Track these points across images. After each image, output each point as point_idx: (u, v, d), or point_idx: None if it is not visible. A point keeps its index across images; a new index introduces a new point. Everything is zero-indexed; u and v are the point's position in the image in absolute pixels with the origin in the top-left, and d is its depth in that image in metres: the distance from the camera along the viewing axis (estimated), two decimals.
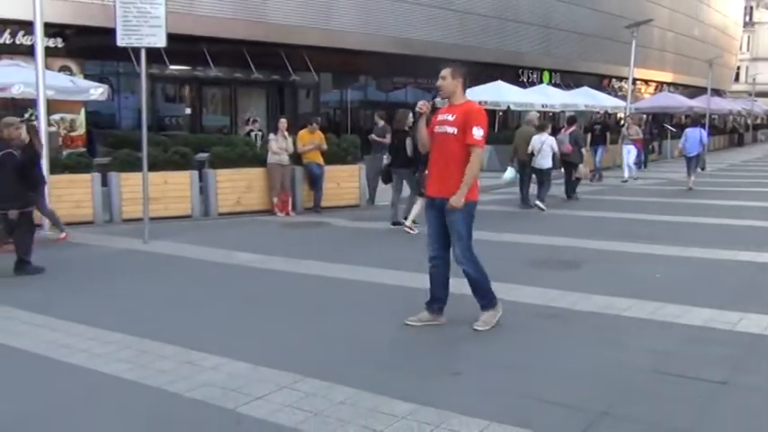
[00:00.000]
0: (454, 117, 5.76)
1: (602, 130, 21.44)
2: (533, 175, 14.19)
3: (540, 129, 14.06)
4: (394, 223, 11.34)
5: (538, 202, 13.57)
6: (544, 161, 13.74)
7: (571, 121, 15.95)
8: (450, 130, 5.74)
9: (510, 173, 14.47)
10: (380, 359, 5.12)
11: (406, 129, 11.06)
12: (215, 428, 4.01)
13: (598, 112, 18.50)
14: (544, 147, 13.67)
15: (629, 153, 20.25)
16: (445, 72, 5.85)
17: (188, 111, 21.61)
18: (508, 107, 22.49)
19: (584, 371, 4.86)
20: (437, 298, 6.00)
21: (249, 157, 13.44)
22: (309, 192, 13.64)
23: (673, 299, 6.63)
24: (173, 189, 12.38)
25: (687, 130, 18.86)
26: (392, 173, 11.55)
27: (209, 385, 4.57)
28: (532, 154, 13.71)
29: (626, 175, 19.99)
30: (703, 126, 24.50)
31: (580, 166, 15.32)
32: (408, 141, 10.79)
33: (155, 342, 5.44)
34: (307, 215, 13.14)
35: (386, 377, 4.72)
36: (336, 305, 6.69)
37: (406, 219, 10.96)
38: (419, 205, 10.41)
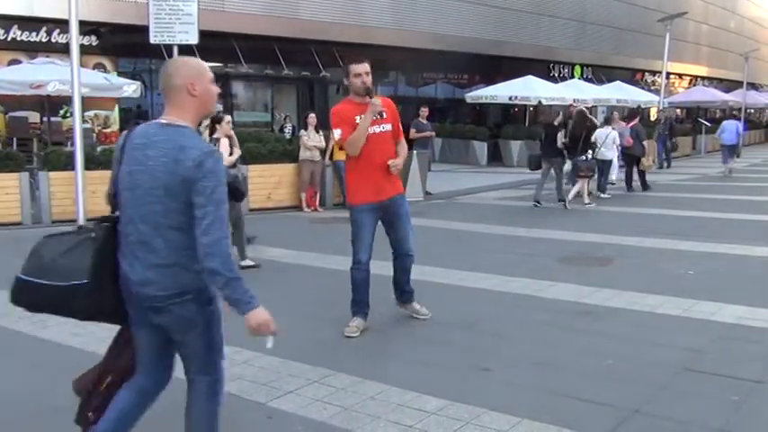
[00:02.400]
0: (386, 114, 5.58)
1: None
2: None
3: (606, 122, 15.12)
4: (560, 200, 13.22)
5: (600, 193, 14.50)
6: (608, 153, 14.46)
7: (632, 114, 16.63)
8: (388, 127, 5.59)
9: (567, 165, 15.28)
10: (410, 355, 5.13)
11: (555, 124, 13.41)
12: (246, 422, 4.06)
13: (571, 105, 16.37)
14: (608, 140, 14.40)
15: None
16: (368, 66, 5.65)
17: (219, 107, 21.77)
18: (539, 102, 22.30)
19: (616, 368, 4.83)
20: (367, 302, 5.75)
21: (280, 152, 13.52)
22: (338, 188, 13.68)
23: (705, 296, 6.55)
24: None
25: (725, 122, 19.62)
26: (543, 161, 13.35)
27: (241, 379, 4.62)
28: (595, 146, 14.35)
29: (613, 176, 16.78)
30: (739, 119, 24.35)
31: (642, 159, 15.95)
32: (559, 135, 13.07)
33: None
34: (335, 211, 13.18)
35: (416, 373, 4.73)
36: None
37: (564, 199, 13.01)
38: (580, 184, 13.23)
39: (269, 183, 13.16)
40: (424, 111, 15.88)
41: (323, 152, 13.21)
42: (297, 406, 4.21)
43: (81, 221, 10.87)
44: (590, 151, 13.70)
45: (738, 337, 5.51)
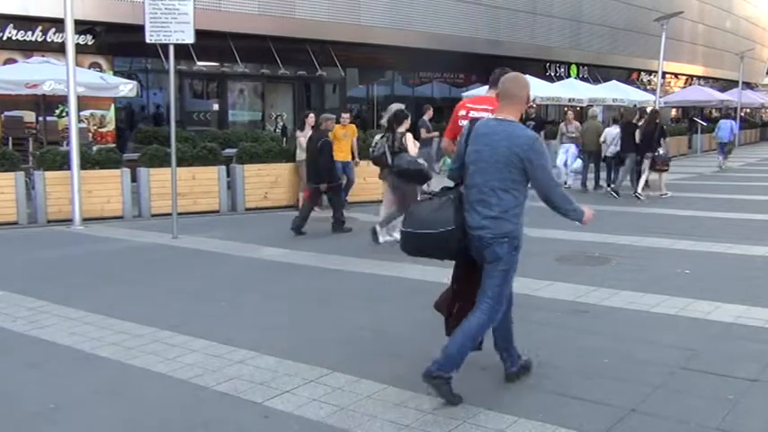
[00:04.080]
0: None
1: (537, 127, 15.47)
2: (602, 163, 16.03)
3: (614, 121, 16.29)
4: (635, 193, 14.25)
5: (613, 187, 15.00)
6: (616, 150, 15.28)
7: (644, 114, 17.38)
8: None
9: (578, 162, 16.33)
10: (407, 354, 5.12)
11: (634, 122, 14.98)
12: (243, 421, 4.05)
13: (531, 105, 15.74)
14: (617, 138, 15.13)
15: (567, 153, 17.04)
16: None
17: (215, 107, 21.75)
18: (534, 101, 22.29)
19: (613, 367, 4.83)
20: None
21: (276, 152, 13.51)
22: None
23: (702, 295, 6.56)
24: (201, 184, 12.49)
25: (721, 121, 21.17)
26: (622, 156, 14.81)
27: (237, 379, 4.62)
28: (603, 143, 15.47)
29: (568, 180, 16.69)
30: (734, 118, 24.63)
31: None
32: (637, 132, 14.56)
33: (183, 335, 5.50)
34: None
35: (412, 372, 4.72)
36: (363, 300, 6.71)
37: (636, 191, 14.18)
38: (647, 174, 14.51)
39: (265, 182, 13.15)
40: (429, 110, 15.96)
41: None
42: (293, 405, 4.20)
43: (77, 221, 10.88)
44: (662, 146, 14.84)
45: (734, 336, 5.51)
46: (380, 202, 13.88)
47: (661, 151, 14.72)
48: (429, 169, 8.40)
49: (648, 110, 15.45)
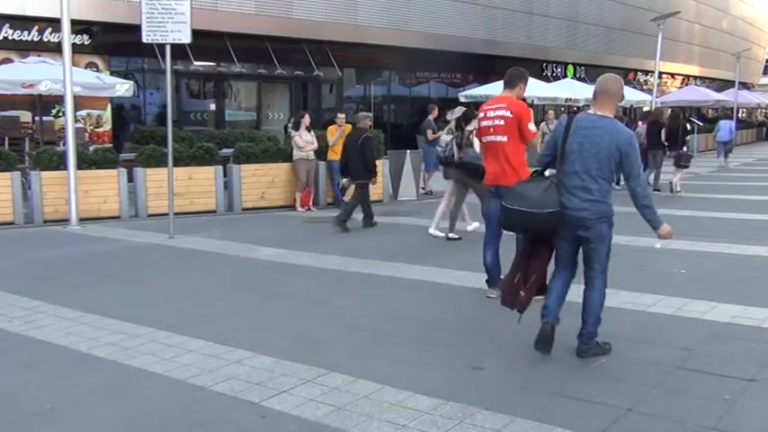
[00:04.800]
0: None
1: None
2: None
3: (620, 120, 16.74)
4: (655, 189, 14.79)
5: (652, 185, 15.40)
6: None
7: (647, 115, 18.37)
8: None
9: None
10: (404, 354, 5.13)
11: (660, 121, 16.04)
12: (240, 421, 4.05)
13: (468, 105, 14.65)
14: (643, 136, 15.63)
15: None
16: None
17: (212, 106, 21.73)
18: (532, 101, 22.30)
19: (609, 367, 4.83)
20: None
21: (273, 152, 13.50)
22: (331, 187, 13.67)
23: (699, 295, 6.57)
24: (197, 184, 12.47)
25: (720, 121, 22.40)
26: (648, 154, 15.35)
27: (234, 378, 4.61)
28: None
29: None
30: (732, 119, 24.92)
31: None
32: (663, 131, 15.58)
33: (180, 336, 5.50)
34: (329, 210, 13.17)
35: (409, 372, 4.73)
36: (360, 300, 6.71)
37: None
38: (680, 173, 15.53)
39: (262, 182, 13.14)
40: (435, 110, 15.76)
41: (315, 152, 13.20)
42: (290, 405, 4.20)
43: (73, 221, 10.86)
44: (686, 144, 16.00)
45: (731, 335, 5.52)
46: (379, 201, 13.98)
47: (685, 149, 15.77)
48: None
49: (668, 110, 16.88)
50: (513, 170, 6.22)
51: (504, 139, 6.31)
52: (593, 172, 4.75)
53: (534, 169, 5.15)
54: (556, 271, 5.11)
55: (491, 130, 6.40)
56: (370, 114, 12.29)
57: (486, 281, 6.68)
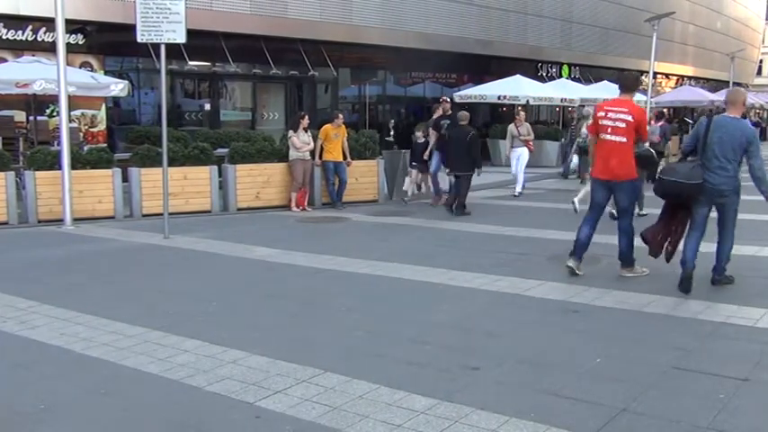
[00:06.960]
0: None
1: (453, 124, 13.58)
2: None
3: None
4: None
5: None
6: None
7: (661, 115, 18.04)
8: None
9: (575, 160, 16.74)
10: (399, 354, 5.13)
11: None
12: (235, 422, 4.04)
13: (445, 100, 14.41)
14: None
15: (520, 159, 15.51)
16: None
17: (207, 106, 21.70)
18: (527, 101, 22.32)
19: (604, 367, 4.84)
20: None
21: (268, 152, 13.48)
22: (326, 188, 13.65)
23: (693, 294, 6.58)
24: (192, 184, 12.46)
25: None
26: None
27: (229, 379, 4.60)
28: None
29: (518, 189, 15.39)
30: None
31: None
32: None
33: (175, 336, 5.49)
34: (324, 210, 13.17)
35: (405, 372, 4.73)
36: (355, 300, 6.70)
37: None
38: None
39: (257, 182, 13.13)
40: (439, 109, 15.38)
41: (311, 152, 13.21)
42: (285, 406, 4.19)
43: (67, 221, 10.84)
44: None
45: (726, 335, 5.53)
46: (374, 201, 13.98)
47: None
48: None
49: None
50: (626, 166, 7.16)
51: (624, 140, 7.12)
52: (729, 156, 6.50)
53: (681, 157, 7.09)
54: (691, 230, 6.78)
55: (609, 129, 7.18)
56: (468, 114, 13.13)
57: (571, 253, 7.43)
